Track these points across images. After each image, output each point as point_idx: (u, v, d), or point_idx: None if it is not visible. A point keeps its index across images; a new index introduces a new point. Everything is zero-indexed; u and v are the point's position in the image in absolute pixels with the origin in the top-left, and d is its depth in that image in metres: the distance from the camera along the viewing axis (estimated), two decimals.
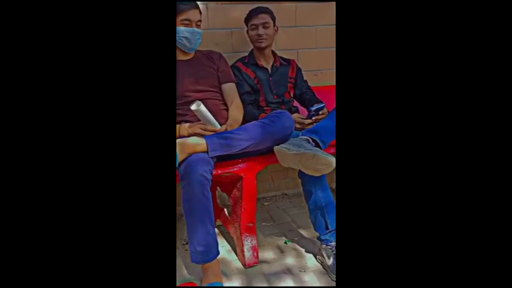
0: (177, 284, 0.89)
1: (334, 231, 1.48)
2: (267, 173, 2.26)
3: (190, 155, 1.33)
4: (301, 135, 1.46)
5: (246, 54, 1.93)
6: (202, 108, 1.44)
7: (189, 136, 1.44)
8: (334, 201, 1.51)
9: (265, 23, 1.79)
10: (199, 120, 1.51)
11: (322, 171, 1.34)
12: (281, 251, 1.69)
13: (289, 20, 2.14)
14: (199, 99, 1.64)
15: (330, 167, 1.31)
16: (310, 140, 1.42)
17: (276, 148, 1.41)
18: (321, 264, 1.53)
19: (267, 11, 1.80)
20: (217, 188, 1.85)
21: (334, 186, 2.31)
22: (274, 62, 1.92)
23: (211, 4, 1.99)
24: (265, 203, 2.24)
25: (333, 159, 1.30)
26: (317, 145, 1.42)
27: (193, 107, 1.44)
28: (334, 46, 2.24)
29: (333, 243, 1.47)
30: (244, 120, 1.69)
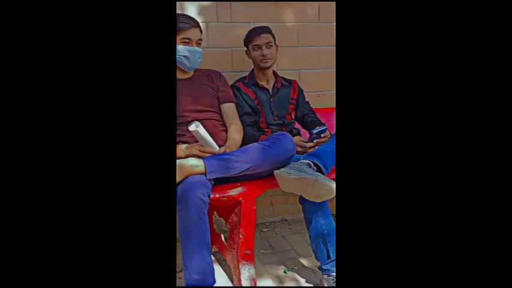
0: None
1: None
2: (266, 198, 2.25)
3: (187, 177, 1.34)
4: (303, 159, 1.47)
5: (246, 73, 1.96)
6: (201, 129, 1.45)
7: (186, 157, 1.44)
8: (335, 227, 1.52)
9: (268, 42, 1.82)
10: (197, 141, 1.51)
11: (323, 198, 1.35)
12: (280, 281, 1.68)
13: (291, 39, 2.18)
14: (198, 120, 1.66)
15: (331, 193, 1.32)
16: (312, 164, 1.43)
17: (276, 172, 1.42)
18: None
19: (268, 31, 1.84)
20: (214, 212, 1.85)
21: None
22: (275, 83, 1.94)
23: (212, 23, 2.04)
24: (264, 229, 2.23)
25: (334, 185, 1.30)
26: (319, 170, 1.43)
27: (191, 127, 1.45)
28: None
29: (335, 274, 1.46)
30: (244, 142, 1.69)
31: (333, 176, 1.71)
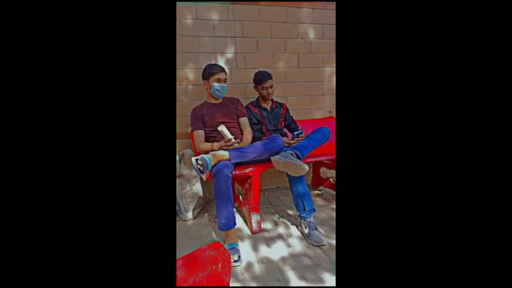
0: (206, 243, 0.72)
1: (310, 211, 1.48)
2: (267, 174, 2.26)
3: (219, 161, 1.36)
4: (288, 150, 1.47)
5: (254, 99, 1.95)
6: (225, 129, 1.48)
7: (218, 150, 1.46)
8: (309, 191, 1.52)
9: (272, 85, 1.81)
10: (224, 138, 1.52)
11: (299, 173, 1.36)
12: (275, 224, 1.67)
13: (282, 78, 2.18)
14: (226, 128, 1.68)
15: (304, 171, 1.33)
16: (294, 153, 1.43)
17: (272, 158, 1.43)
18: (301, 233, 1.52)
19: (271, 77, 1.81)
20: (236, 183, 1.86)
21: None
22: (272, 105, 1.93)
23: (233, 68, 2.04)
24: (266, 193, 2.22)
25: (307, 167, 1.31)
26: (298, 157, 1.43)
27: (219, 128, 1.48)
28: (310, 95, 2.28)
29: (308, 219, 1.46)
30: (253, 140, 1.71)
31: (308, 160, 1.74)
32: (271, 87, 1.81)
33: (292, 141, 1.68)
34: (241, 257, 1.30)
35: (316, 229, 1.43)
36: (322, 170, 2.19)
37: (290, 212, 1.82)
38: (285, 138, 1.71)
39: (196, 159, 1.31)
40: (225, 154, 1.39)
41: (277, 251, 1.36)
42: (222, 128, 1.47)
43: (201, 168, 1.29)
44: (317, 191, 2.19)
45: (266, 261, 1.28)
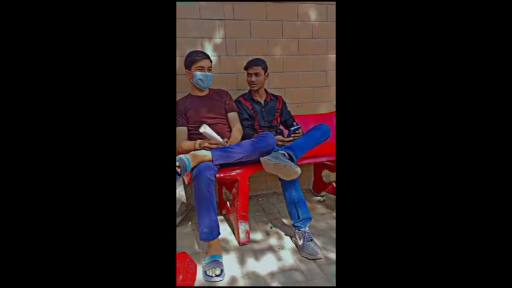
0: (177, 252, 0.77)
1: (305, 220, 1.49)
2: (262, 177, 2.27)
3: (200, 163, 1.37)
4: (280, 150, 1.48)
5: (247, 91, 1.97)
6: (208, 129, 1.48)
7: (200, 149, 1.48)
8: (304, 198, 1.53)
9: (257, 73, 1.82)
10: (207, 138, 1.54)
11: (290, 177, 1.37)
12: (267, 233, 1.69)
13: (279, 67, 2.18)
14: (210, 124, 1.69)
15: (296, 174, 1.34)
16: (286, 154, 1.44)
17: (261, 159, 1.44)
18: (295, 244, 1.53)
19: (259, 63, 1.83)
20: (223, 187, 1.88)
21: (307, 187, 2.31)
22: (266, 98, 1.95)
23: (223, 56, 2.05)
24: (260, 199, 2.23)
25: (298, 169, 1.32)
26: (291, 158, 1.44)
27: (201, 129, 1.49)
28: (312, 86, 2.29)
29: (303, 229, 1.48)
30: (243, 139, 1.69)
31: (305, 162, 1.75)
32: (257, 75, 1.82)
33: (288, 139, 1.69)
34: (225, 271, 1.31)
35: (311, 240, 1.44)
36: (325, 173, 2.20)
37: (285, 221, 1.84)
38: (279, 137, 1.72)
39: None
40: (206, 154, 1.40)
41: (266, 265, 1.38)
42: (205, 130, 1.47)
43: (179, 171, 1.30)
44: (319, 197, 2.20)
45: (252, 276, 1.30)
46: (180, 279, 0.66)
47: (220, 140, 1.52)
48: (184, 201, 1.85)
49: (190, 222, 1.87)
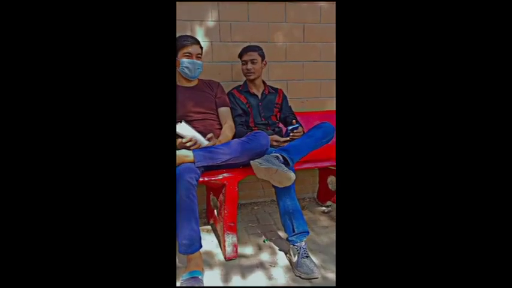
0: None
1: (301, 234, 1.48)
2: (258, 183, 2.26)
3: (179, 164, 1.37)
4: (274, 152, 1.47)
5: (242, 83, 1.96)
6: (185, 128, 1.47)
7: (179, 149, 1.47)
8: (301, 208, 1.52)
9: (253, 59, 1.82)
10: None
11: (283, 184, 1.36)
12: (259, 248, 1.68)
13: (280, 56, 2.18)
14: (198, 120, 1.69)
15: (289, 180, 1.33)
16: (280, 156, 1.43)
17: (251, 162, 1.43)
18: (289, 261, 1.52)
19: (255, 49, 1.83)
20: (211, 193, 1.88)
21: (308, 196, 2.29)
22: (263, 90, 1.94)
23: (216, 42, 2.05)
24: (255, 207, 2.23)
25: (292, 175, 1.31)
26: (286, 161, 1.43)
27: (177, 129, 1.48)
28: (320, 79, 2.27)
29: (298, 244, 1.46)
30: (235, 138, 1.68)
31: (307, 166, 1.74)
32: (252, 62, 1.82)
33: (284, 139, 1.68)
34: None
35: (307, 257, 1.43)
36: (331, 179, 2.18)
37: (281, 233, 1.83)
38: (274, 136, 1.71)
39: None
40: (187, 155, 1.40)
41: (253, 284, 1.37)
42: (183, 128, 1.47)
43: None
44: (324, 207, 2.19)
45: None
46: None
47: (202, 139, 1.51)
48: None
49: None
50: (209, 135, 1.56)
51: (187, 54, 1.65)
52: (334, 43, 2.24)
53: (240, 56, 1.85)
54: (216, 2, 2.01)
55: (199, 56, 1.69)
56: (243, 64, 1.85)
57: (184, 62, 1.66)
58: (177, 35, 1.72)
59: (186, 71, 1.68)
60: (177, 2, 1.94)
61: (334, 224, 1.94)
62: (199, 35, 2.01)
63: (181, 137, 1.51)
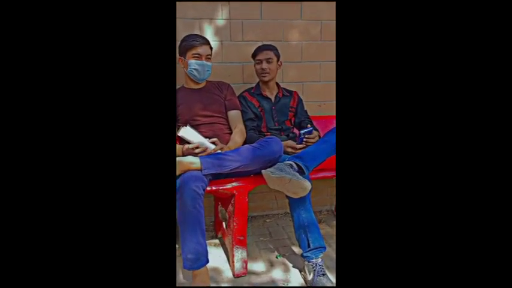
0: None
1: (316, 249, 1.46)
2: (271, 193, 2.25)
3: (184, 172, 1.37)
4: (288, 159, 1.46)
5: (254, 85, 1.97)
6: (188, 133, 1.49)
7: (184, 155, 1.48)
8: (317, 222, 1.50)
9: (269, 58, 1.82)
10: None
11: (298, 194, 1.35)
12: (271, 264, 1.67)
13: (296, 56, 2.17)
14: (206, 123, 1.70)
15: (304, 191, 1.32)
16: (294, 164, 1.42)
17: (263, 171, 1.42)
18: (304, 279, 1.50)
19: (271, 48, 1.84)
20: (219, 203, 1.87)
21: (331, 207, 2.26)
22: (277, 93, 1.95)
23: (226, 41, 2.06)
24: (268, 220, 2.22)
25: (308, 184, 1.29)
26: (300, 169, 1.42)
27: (179, 133, 1.49)
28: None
29: (314, 260, 1.45)
30: (246, 144, 1.69)
31: (324, 175, 1.72)
32: (268, 61, 1.83)
33: (300, 146, 1.68)
34: None
35: (323, 275, 1.41)
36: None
37: (296, 249, 1.81)
38: (288, 142, 1.71)
39: None
40: (194, 162, 1.40)
41: None
42: (187, 133, 1.48)
43: None
44: None
45: None
46: None
47: (208, 144, 1.51)
48: None
49: (177, 246, 1.88)
50: (213, 139, 1.56)
51: (197, 55, 1.67)
52: None
53: (254, 55, 1.86)
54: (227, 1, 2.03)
55: (209, 57, 1.71)
56: (257, 63, 1.85)
57: (192, 63, 1.67)
58: (185, 34, 1.75)
59: (195, 73, 1.69)
60: (182, 1, 1.97)
61: None
62: (209, 34, 2.02)
63: (187, 142, 1.52)
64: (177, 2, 1.96)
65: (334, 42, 2.20)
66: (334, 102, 2.26)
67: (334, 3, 2.16)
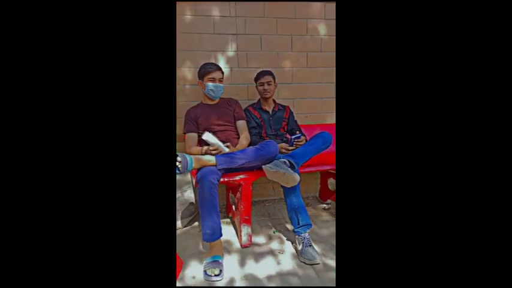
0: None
1: (305, 226, 1.47)
2: (270, 183, 2.26)
3: (203, 166, 1.40)
4: (282, 157, 1.48)
5: (256, 101, 1.99)
6: (210, 137, 1.51)
7: (203, 155, 1.50)
8: (305, 204, 1.51)
9: (269, 81, 1.84)
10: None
11: (290, 184, 1.37)
12: (270, 237, 1.68)
13: (288, 79, 2.19)
14: (220, 131, 1.72)
15: (295, 181, 1.34)
16: (287, 161, 1.44)
17: (263, 167, 1.44)
18: (295, 249, 1.51)
19: (270, 73, 1.86)
20: (230, 191, 1.89)
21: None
22: (274, 107, 1.96)
23: (235, 68, 2.09)
24: (267, 204, 2.22)
25: (297, 176, 1.32)
26: (292, 165, 1.44)
27: (203, 136, 1.52)
28: (321, 97, 2.27)
29: (303, 235, 1.46)
30: (251, 146, 1.71)
31: (310, 170, 1.73)
32: (268, 84, 1.85)
33: (291, 148, 1.69)
34: (224, 271, 1.32)
35: (310, 246, 1.42)
36: (330, 181, 2.16)
37: (288, 226, 1.82)
38: (283, 144, 1.72)
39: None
40: (210, 159, 1.42)
41: (264, 268, 1.37)
42: (208, 137, 1.50)
43: (179, 167, 1.32)
44: (324, 205, 2.17)
45: (250, 278, 1.30)
46: None
47: (223, 147, 1.54)
48: (193, 202, 1.88)
49: (197, 223, 1.90)
50: (227, 143, 1.58)
51: (212, 79, 1.69)
52: (333, 68, 2.25)
53: (257, 79, 1.88)
54: (235, 35, 2.06)
55: (221, 79, 1.73)
56: (260, 85, 1.87)
57: (209, 85, 1.70)
58: (203, 62, 1.78)
59: (211, 92, 1.72)
60: (201, 34, 1.99)
61: (334, 219, 1.93)
62: (221, 63, 2.06)
63: (207, 144, 1.55)
64: (196, 35, 2.00)
65: (318, 68, 2.23)
66: (318, 114, 2.28)
67: (320, 38, 2.19)
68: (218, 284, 1.26)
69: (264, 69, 1.94)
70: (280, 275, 1.31)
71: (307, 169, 1.72)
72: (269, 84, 1.85)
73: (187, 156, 1.36)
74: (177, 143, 2.02)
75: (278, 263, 1.41)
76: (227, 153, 1.50)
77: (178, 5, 1.95)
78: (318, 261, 1.36)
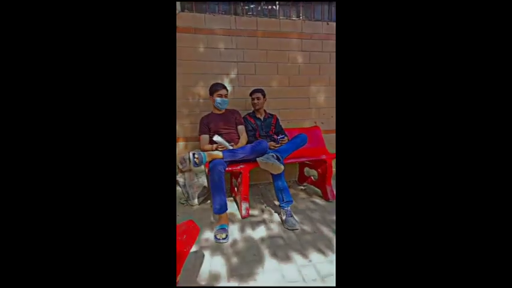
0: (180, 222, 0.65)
1: (288, 202, 1.47)
2: (262, 171, 2.19)
3: (213, 159, 1.39)
4: (271, 152, 1.48)
5: (251, 111, 1.97)
6: (219, 138, 1.52)
7: (213, 151, 1.50)
8: (288, 186, 1.52)
9: (258, 97, 1.83)
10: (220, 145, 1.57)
11: (276, 172, 1.37)
12: (262, 211, 1.68)
13: (275, 95, 2.18)
14: (225, 133, 1.72)
15: (279, 170, 1.35)
16: (275, 155, 1.44)
17: (257, 159, 1.44)
18: (280, 219, 1.51)
19: (260, 91, 1.84)
20: (233, 177, 1.89)
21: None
22: (264, 116, 1.95)
23: (236, 86, 2.08)
24: (260, 186, 2.22)
25: (282, 166, 1.32)
26: (278, 158, 1.44)
27: (214, 138, 1.52)
28: (298, 108, 2.27)
29: (286, 208, 1.46)
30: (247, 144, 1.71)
31: (291, 161, 1.73)
32: (258, 99, 1.84)
33: (277, 145, 1.68)
34: (229, 235, 1.32)
35: (291, 216, 1.43)
36: (306, 169, 2.18)
37: (276, 202, 1.82)
38: (271, 142, 1.72)
39: (194, 154, 1.36)
40: (219, 154, 1.42)
41: (258, 233, 1.37)
42: (218, 138, 1.51)
43: (197, 161, 1.33)
44: (301, 186, 2.18)
45: (248, 240, 1.30)
46: (184, 237, 0.66)
47: (228, 145, 1.54)
48: (206, 185, 1.87)
49: (209, 201, 1.90)
50: (232, 143, 1.58)
51: (219, 95, 1.68)
52: (308, 87, 2.25)
53: (251, 95, 1.87)
54: (236, 63, 2.05)
55: (226, 95, 1.72)
56: (252, 99, 1.87)
57: (217, 100, 1.69)
58: (213, 82, 1.77)
59: (219, 105, 1.71)
60: (211, 61, 1.98)
61: (308, 196, 1.94)
62: (226, 82, 2.05)
63: (215, 143, 1.54)
64: (208, 62, 1.98)
65: (297, 87, 2.23)
66: (296, 120, 2.28)
67: (298, 65, 2.19)
68: (223, 244, 1.26)
69: (256, 87, 1.93)
70: (270, 237, 1.32)
71: (289, 161, 1.72)
72: (258, 99, 1.84)
73: (202, 153, 1.36)
74: (192, 143, 2.01)
75: (268, 228, 1.42)
76: (231, 150, 1.50)
77: (194, 39, 1.93)
78: (297, 227, 1.38)
